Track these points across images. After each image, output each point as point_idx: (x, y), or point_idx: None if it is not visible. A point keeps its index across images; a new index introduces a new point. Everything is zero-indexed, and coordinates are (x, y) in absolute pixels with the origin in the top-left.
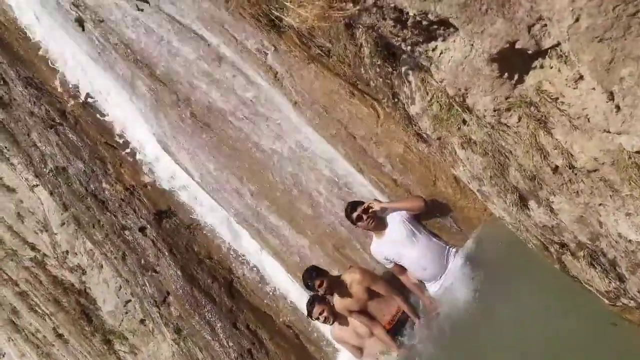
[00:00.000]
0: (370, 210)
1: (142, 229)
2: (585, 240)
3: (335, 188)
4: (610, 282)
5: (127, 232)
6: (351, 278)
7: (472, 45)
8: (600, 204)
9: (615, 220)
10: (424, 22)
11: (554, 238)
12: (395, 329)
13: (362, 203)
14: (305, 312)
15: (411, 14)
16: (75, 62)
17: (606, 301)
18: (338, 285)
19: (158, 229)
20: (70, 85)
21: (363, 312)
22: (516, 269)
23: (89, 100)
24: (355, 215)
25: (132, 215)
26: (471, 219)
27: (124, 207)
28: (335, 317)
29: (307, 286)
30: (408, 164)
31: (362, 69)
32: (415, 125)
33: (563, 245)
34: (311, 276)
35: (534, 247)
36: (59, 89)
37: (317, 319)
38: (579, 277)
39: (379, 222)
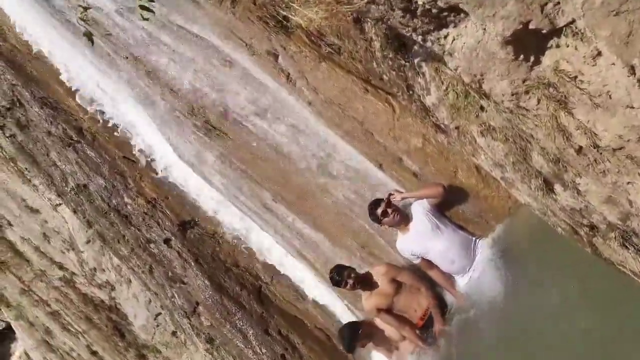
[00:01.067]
0: (392, 203)
1: (166, 241)
2: (615, 220)
3: (356, 186)
4: None
5: (152, 245)
6: (376, 272)
7: (485, 29)
8: (628, 182)
9: None
10: (434, 10)
11: (583, 221)
12: (429, 324)
13: (383, 200)
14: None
15: (420, 2)
16: (87, 76)
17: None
18: (365, 281)
19: (183, 240)
20: (86, 100)
21: (391, 310)
22: (547, 256)
23: (107, 118)
24: (379, 211)
25: (156, 227)
26: (496, 207)
27: (148, 220)
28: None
29: (335, 282)
30: (427, 156)
31: (374, 64)
32: (432, 117)
33: (593, 227)
34: (339, 271)
35: (563, 232)
36: (75, 106)
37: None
38: (612, 259)
39: (403, 216)
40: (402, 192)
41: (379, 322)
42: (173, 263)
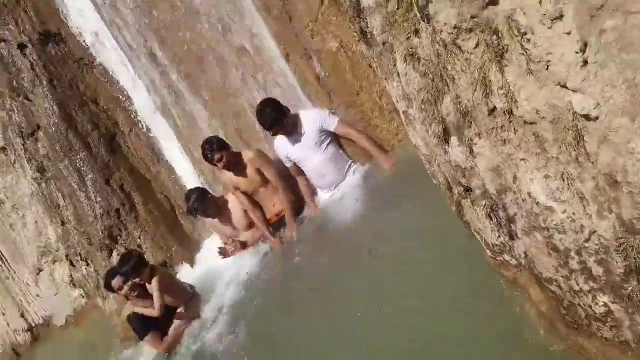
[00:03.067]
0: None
1: (21, 47)
2: (492, 190)
3: (255, 68)
4: (500, 236)
5: (2, 44)
6: (247, 157)
7: None
8: (522, 159)
9: (531, 179)
10: None
11: (462, 180)
12: (281, 225)
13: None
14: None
15: None
16: None
17: (488, 252)
18: (235, 160)
19: (40, 53)
20: None
21: (251, 198)
22: (412, 197)
23: None
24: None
25: (13, 26)
26: (380, 140)
27: (5, 15)
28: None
29: (206, 158)
30: (338, 64)
31: None
32: (363, 21)
33: (468, 189)
34: (212, 147)
35: (438, 184)
36: None
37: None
38: (471, 223)
39: (287, 129)
40: None
41: (232, 200)
42: (22, 74)
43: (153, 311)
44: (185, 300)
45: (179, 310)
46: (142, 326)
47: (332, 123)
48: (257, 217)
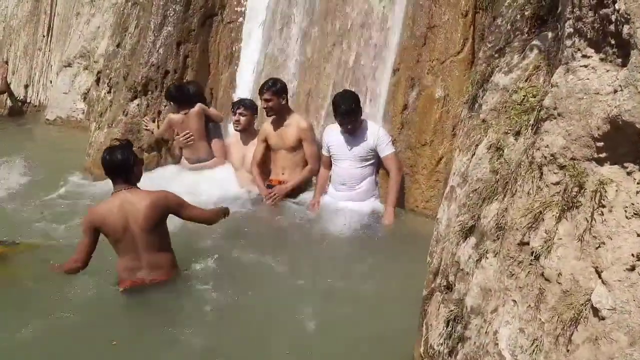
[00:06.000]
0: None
1: None
2: (468, 304)
3: (363, 57)
4: (442, 345)
5: None
6: (299, 123)
7: None
8: (514, 300)
9: (507, 322)
10: None
11: (451, 277)
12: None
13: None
14: None
15: None
16: None
17: (421, 349)
18: (281, 116)
19: None
20: None
21: (268, 150)
22: (394, 257)
23: None
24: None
25: None
26: (411, 195)
27: None
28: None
29: (261, 89)
30: (430, 109)
31: None
32: (482, 91)
33: (449, 288)
34: (273, 85)
35: (429, 263)
36: None
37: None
38: (429, 315)
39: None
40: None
41: (258, 151)
42: None
43: None
44: None
45: None
46: None
47: (386, 151)
48: (254, 172)
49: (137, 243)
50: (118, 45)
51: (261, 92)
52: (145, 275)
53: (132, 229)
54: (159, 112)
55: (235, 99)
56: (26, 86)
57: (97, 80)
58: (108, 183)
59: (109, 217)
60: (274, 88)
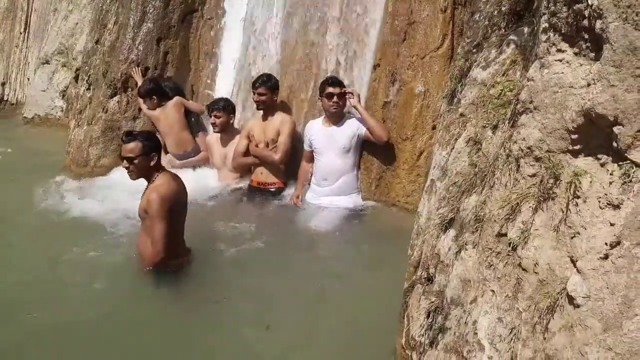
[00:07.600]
0: (345, 95)
1: None
2: (448, 296)
3: (343, 50)
4: (423, 335)
5: None
6: (283, 117)
7: None
8: (492, 290)
9: (486, 312)
10: None
11: (431, 269)
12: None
13: (343, 85)
14: None
15: None
16: None
17: (403, 341)
18: (271, 110)
19: None
20: None
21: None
22: (376, 252)
23: None
24: (330, 90)
25: None
26: (392, 190)
27: None
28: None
29: (255, 83)
30: (410, 105)
31: None
32: (461, 86)
33: (430, 279)
34: (268, 81)
35: (410, 256)
36: None
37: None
38: (409, 307)
39: (339, 115)
40: (359, 102)
41: (241, 146)
42: None
43: None
44: None
45: None
46: None
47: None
48: (239, 163)
49: None
50: (97, 42)
51: (255, 86)
52: None
53: None
54: (139, 110)
55: (213, 99)
56: (3, 84)
57: (76, 77)
58: (87, 181)
59: None
60: (269, 83)
